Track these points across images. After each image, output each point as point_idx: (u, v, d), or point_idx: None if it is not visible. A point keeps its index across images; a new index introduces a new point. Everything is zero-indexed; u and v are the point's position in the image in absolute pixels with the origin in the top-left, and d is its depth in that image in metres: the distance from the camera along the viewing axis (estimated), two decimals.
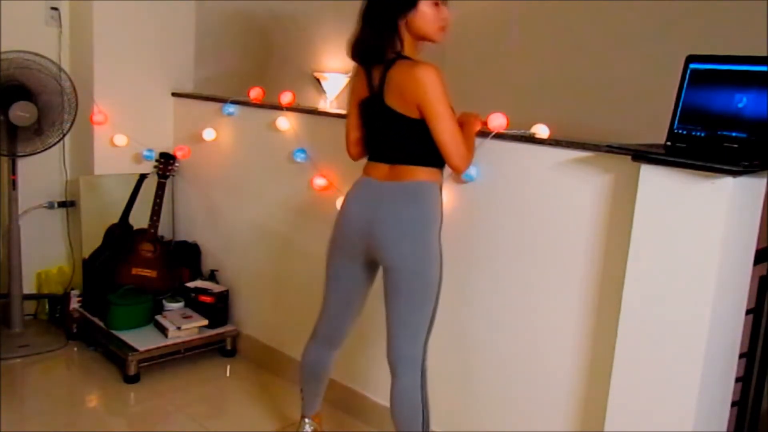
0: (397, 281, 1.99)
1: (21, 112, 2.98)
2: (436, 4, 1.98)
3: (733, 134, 1.67)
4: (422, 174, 2.01)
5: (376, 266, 2.11)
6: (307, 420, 2.33)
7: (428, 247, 1.99)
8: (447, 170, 2.07)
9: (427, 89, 1.90)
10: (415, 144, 1.99)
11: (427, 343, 2.04)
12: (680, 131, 1.77)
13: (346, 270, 2.13)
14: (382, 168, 2.06)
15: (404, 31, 1.98)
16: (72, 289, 3.35)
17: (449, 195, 2.29)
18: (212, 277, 3.36)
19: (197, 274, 3.41)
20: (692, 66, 1.77)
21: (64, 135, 3.17)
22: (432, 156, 1.99)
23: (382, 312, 2.06)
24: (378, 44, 1.98)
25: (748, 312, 1.93)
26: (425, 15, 1.97)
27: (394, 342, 2.03)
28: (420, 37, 2.01)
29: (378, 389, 2.63)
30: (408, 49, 1.99)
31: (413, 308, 2.00)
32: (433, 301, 2.01)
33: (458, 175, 2.18)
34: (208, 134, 3.29)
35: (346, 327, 2.22)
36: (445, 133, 1.93)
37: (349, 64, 2.13)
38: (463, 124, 2.06)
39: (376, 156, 2.09)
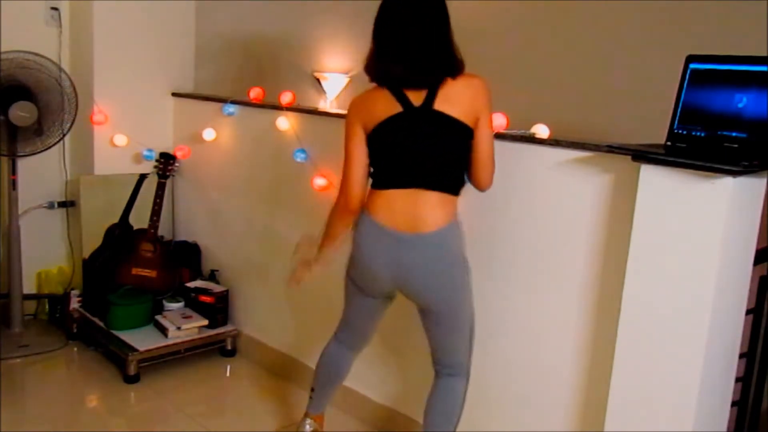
0: (437, 315, 2.02)
1: (21, 112, 2.98)
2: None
3: (733, 134, 1.67)
4: (444, 214, 1.92)
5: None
6: (308, 420, 2.33)
7: (459, 279, 2.00)
8: None
9: (487, 97, 1.91)
10: (456, 160, 1.93)
11: (472, 349, 2.08)
12: (680, 131, 1.77)
13: (367, 301, 2.15)
14: (397, 204, 1.93)
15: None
16: (72, 289, 3.35)
17: None
18: (212, 277, 3.36)
19: (197, 274, 3.41)
20: (692, 66, 1.77)
21: (64, 135, 3.17)
22: (461, 181, 1.98)
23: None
24: (449, 56, 1.90)
25: (748, 312, 1.93)
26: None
27: (439, 357, 2.08)
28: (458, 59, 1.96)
29: (376, 387, 2.63)
30: None
31: (455, 331, 2.05)
32: (471, 318, 2.06)
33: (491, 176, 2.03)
34: (208, 134, 3.29)
35: (368, 333, 2.26)
36: (492, 146, 1.94)
37: (349, 64, 2.11)
38: None
39: (395, 181, 1.94)
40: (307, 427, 2.32)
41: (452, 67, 1.90)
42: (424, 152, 1.91)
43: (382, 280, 2.02)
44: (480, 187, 2.01)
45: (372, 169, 2.03)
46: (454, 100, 1.88)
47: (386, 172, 1.98)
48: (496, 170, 2.01)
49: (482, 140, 1.92)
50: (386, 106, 1.92)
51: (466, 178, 2.00)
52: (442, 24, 1.91)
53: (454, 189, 1.96)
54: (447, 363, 2.07)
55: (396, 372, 2.60)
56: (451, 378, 2.06)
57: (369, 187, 2.03)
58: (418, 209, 1.92)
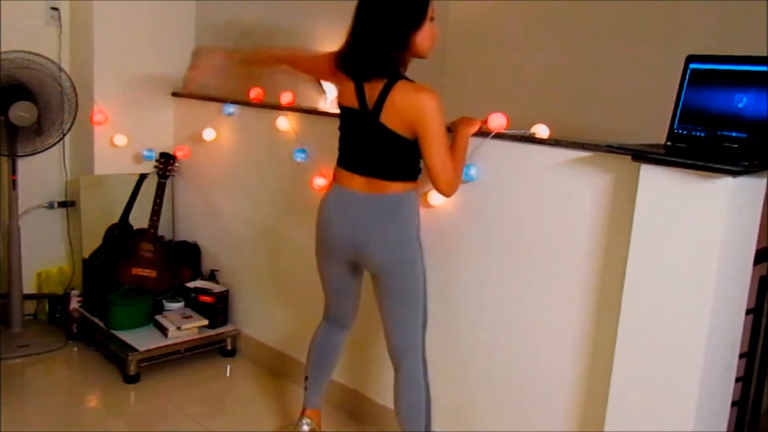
0: (388, 285, 2.09)
1: (21, 112, 2.98)
2: (432, 19, 1.99)
3: (733, 134, 1.67)
4: (399, 186, 2.05)
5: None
6: (305, 419, 2.33)
7: (412, 251, 2.09)
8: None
9: (428, 116, 1.92)
10: (399, 162, 2.04)
11: (424, 335, 2.13)
12: (680, 131, 1.77)
13: (335, 270, 2.22)
14: (358, 179, 2.08)
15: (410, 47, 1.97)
16: (72, 289, 3.35)
17: None
18: (212, 277, 3.36)
19: (197, 274, 3.41)
20: (692, 66, 1.77)
21: (64, 135, 3.17)
22: (411, 171, 2.07)
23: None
24: (386, 60, 1.96)
25: (748, 312, 1.93)
26: (426, 32, 1.98)
27: (392, 338, 2.13)
28: (415, 54, 2.01)
29: (378, 390, 2.63)
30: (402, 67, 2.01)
31: (405, 306, 2.09)
32: (421, 297, 2.11)
33: (448, 189, 2.09)
34: (208, 134, 3.29)
35: (351, 308, 2.32)
36: (437, 158, 1.96)
37: None
38: (455, 136, 2.10)
39: (353, 167, 2.09)
40: (305, 426, 2.32)
41: (390, 71, 1.96)
42: (374, 152, 2.05)
43: (341, 238, 2.10)
44: (439, 193, 2.06)
45: (339, 143, 2.17)
46: (398, 113, 1.95)
47: (346, 155, 2.13)
48: (495, 170, 2.02)
49: (426, 155, 1.97)
50: (349, 96, 2.05)
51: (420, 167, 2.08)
52: (403, 14, 1.93)
53: (409, 176, 2.07)
54: (402, 346, 2.10)
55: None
56: (408, 369, 2.10)
57: (336, 163, 2.17)
58: (377, 184, 2.05)
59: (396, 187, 2.04)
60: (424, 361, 2.14)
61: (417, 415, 2.10)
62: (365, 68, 1.98)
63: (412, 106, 1.93)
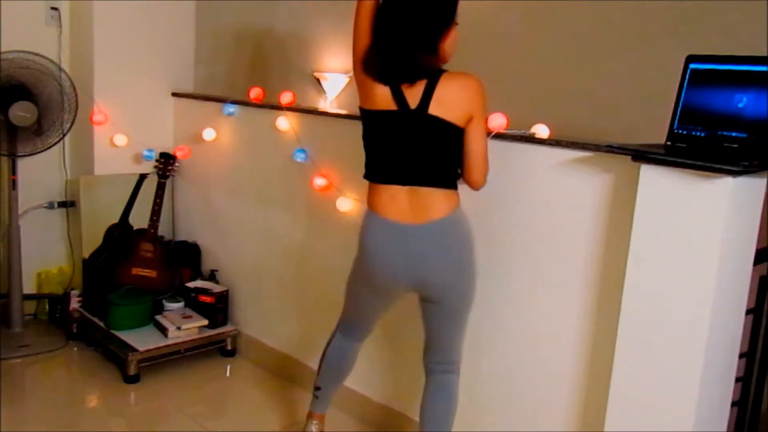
0: (443, 309, 2.04)
1: (21, 112, 2.98)
2: (456, 24, 1.96)
3: (733, 134, 1.67)
4: (447, 204, 1.95)
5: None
6: (314, 421, 2.32)
7: (472, 273, 2.04)
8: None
9: (480, 96, 1.91)
10: (443, 160, 1.95)
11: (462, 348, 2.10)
12: (680, 131, 1.77)
13: (374, 299, 2.15)
14: (401, 198, 1.95)
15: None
16: (72, 289, 3.35)
17: None
18: (212, 277, 3.36)
19: (197, 274, 3.41)
20: (692, 66, 1.77)
21: (64, 135, 3.17)
22: (452, 174, 1.99)
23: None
24: (419, 64, 1.89)
25: (748, 312, 1.93)
26: (452, 36, 1.95)
27: (434, 351, 2.09)
28: (442, 59, 1.96)
29: (374, 386, 2.63)
30: None
31: (456, 326, 2.07)
32: (467, 312, 2.08)
33: (484, 176, 2.03)
34: (208, 134, 3.29)
35: (371, 326, 2.27)
36: (484, 145, 1.95)
37: (349, 64, 2.11)
38: None
39: (390, 176, 1.96)
40: (313, 428, 2.32)
41: (429, 72, 1.90)
42: (419, 152, 1.94)
43: (394, 273, 2.01)
44: (473, 187, 2.02)
45: (366, 156, 2.03)
46: (449, 101, 1.89)
47: (382, 165, 2.00)
48: (495, 170, 2.01)
49: (474, 140, 1.94)
50: (383, 99, 1.93)
51: (459, 172, 2.02)
52: (438, 20, 1.90)
53: (449, 183, 1.98)
54: (443, 360, 2.07)
55: (391, 370, 2.60)
56: (446, 375, 2.07)
57: (368, 182, 2.04)
58: (420, 202, 1.95)
59: (442, 208, 1.94)
60: (459, 371, 2.11)
61: (443, 425, 2.07)
62: (406, 74, 1.89)
63: (465, 88, 1.90)
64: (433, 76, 1.89)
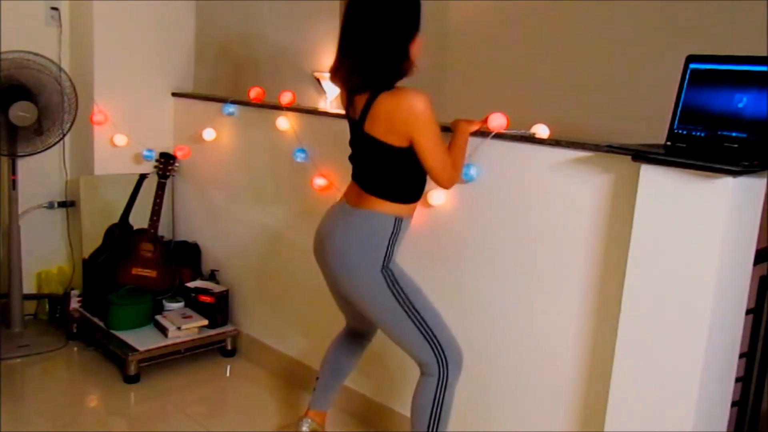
0: (359, 304, 2.06)
1: (21, 112, 2.98)
2: (418, 33, 1.94)
3: (733, 134, 1.67)
4: (383, 206, 1.98)
5: None
6: (306, 419, 2.32)
7: (368, 274, 1.98)
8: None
9: (417, 116, 1.85)
10: (385, 176, 1.98)
11: (440, 346, 2.02)
12: (680, 131, 1.77)
13: (328, 285, 2.17)
14: (354, 191, 2.06)
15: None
16: (72, 289, 3.35)
17: (449, 195, 2.29)
18: (212, 277, 3.36)
19: (197, 274, 3.41)
20: (692, 66, 1.77)
21: (64, 135, 3.17)
22: (401, 192, 1.99)
23: None
24: (385, 72, 1.89)
25: (748, 312, 1.93)
26: (417, 45, 1.93)
27: (407, 353, 2.08)
28: (405, 69, 1.94)
29: (392, 397, 2.63)
30: None
31: (388, 331, 2.05)
32: (405, 318, 1.99)
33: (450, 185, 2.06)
34: (208, 134, 3.29)
35: (361, 321, 2.26)
36: (436, 159, 1.92)
37: None
38: (454, 133, 2.09)
39: (354, 177, 2.09)
40: (305, 426, 2.31)
41: (383, 80, 1.90)
42: (363, 161, 2.04)
43: (314, 247, 2.10)
44: (441, 187, 2.05)
45: None
46: (381, 121, 1.90)
47: (353, 166, 2.11)
48: (495, 170, 2.00)
49: (424, 158, 1.92)
50: (345, 104, 2.05)
51: (405, 185, 2.01)
52: (393, 28, 1.89)
53: (395, 196, 1.99)
54: (415, 361, 2.06)
55: (388, 367, 2.61)
56: (422, 376, 2.06)
57: None
58: (363, 197, 2.02)
59: (374, 205, 1.98)
60: (441, 374, 2.01)
61: (417, 425, 2.04)
62: (352, 81, 1.95)
63: (399, 110, 1.87)
64: (376, 90, 1.90)
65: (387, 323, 2.03)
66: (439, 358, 2.01)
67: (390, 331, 2.05)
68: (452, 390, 2.03)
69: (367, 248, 1.98)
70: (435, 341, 2.02)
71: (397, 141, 1.90)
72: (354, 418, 2.72)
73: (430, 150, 1.91)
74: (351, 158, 2.10)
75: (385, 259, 1.98)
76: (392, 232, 1.99)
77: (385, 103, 1.88)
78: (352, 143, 2.08)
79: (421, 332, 2.00)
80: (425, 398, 2.02)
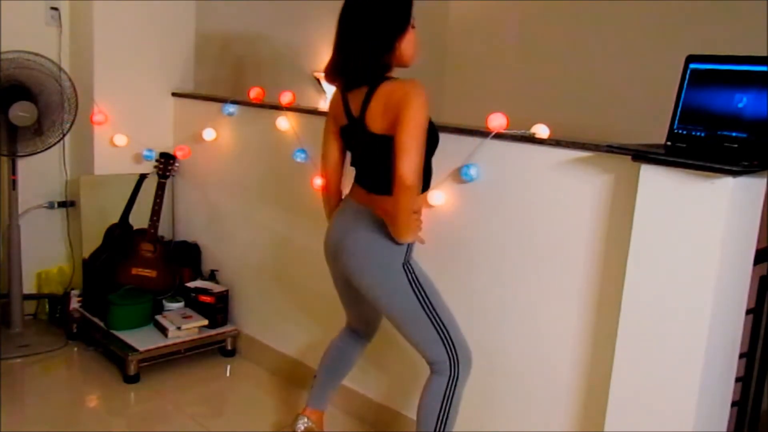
0: (378, 306, 2.06)
1: (21, 112, 2.98)
2: (413, 27, 1.95)
3: (733, 134, 1.67)
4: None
5: None
6: (302, 418, 2.32)
7: (386, 273, 1.99)
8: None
9: (411, 100, 1.82)
10: (391, 171, 1.92)
11: (454, 345, 2.02)
12: (680, 131, 1.77)
13: (334, 279, 2.20)
14: (362, 192, 2.06)
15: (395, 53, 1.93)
16: (72, 289, 3.35)
17: (449, 195, 2.29)
18: (212, 277, 3.36)
19: (197, 274, 3.41)
20: (692, 66, 1.77)
21: (64, 135, 3.17)
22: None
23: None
24: (369, 67, 1.91)
25: (748, 312, 1.93)
26: (410, 38, 1.94)
27: (419, 352, 2.08)
28: (399, 62, 1.96)
29: (373, 385, 2.63)
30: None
31: (403, 328, 2.05)
32: (423, 315, 2.00)
33: (403, 182, 1.85)
34: (208, 134, 3.29)
35: (364, 320, 2.28)
36: (412, 139, 1.81)
37: None
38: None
39: (358, 179, 2.09)
40: (300, 426, 2.31)
41: (373, 72, 1.91)
42: (367, 161, 2.04)
43: (327, 246, 2.12)
44: (398, 178, 1.84)
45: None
46: (382, 110, 1.89)
47: (356, 171, 2.11)
48: (495, 170, 2.00)
49: (399, 140, 1.82)
50: (340, 112, 2.05)
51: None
52: (384, 22, 1.90)
53: None
54: (426, 360, 2.05)
55: (391, 369, 2.61)
56: (432, 375, 2.06)
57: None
58: (372, 198, 2.02)
59: (385, 203, 1.93)
60: (452, 373, 2.01)
61: (423, 425, 2.03)
62: (348, 77, 1.96)
63: (396, 96, 1.85)
64: (375, 82, 1.91)
65: (404, 320, 2.03)
66: (452, 358, 2.02)
67: (406, 328, 2.04)
68: (461, 390, 2.04)
69: (387, 244, 1.98)
70: (449, 340, 2.03)
71: (394, 130, 1.86)
72: (357, 420, 2.72)
73: (407, 132, 1.81)
74: (353, 163, 2.10)
75: (406, 254, 2.00)
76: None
77: (383, 92, 1.90)
78: (353, 147, 2.08)
79: (437, 330, 2.01)
80: (434, 397, 2.02)
